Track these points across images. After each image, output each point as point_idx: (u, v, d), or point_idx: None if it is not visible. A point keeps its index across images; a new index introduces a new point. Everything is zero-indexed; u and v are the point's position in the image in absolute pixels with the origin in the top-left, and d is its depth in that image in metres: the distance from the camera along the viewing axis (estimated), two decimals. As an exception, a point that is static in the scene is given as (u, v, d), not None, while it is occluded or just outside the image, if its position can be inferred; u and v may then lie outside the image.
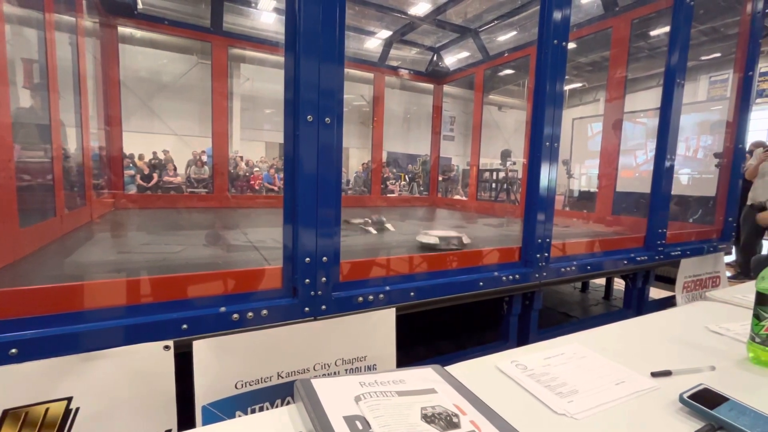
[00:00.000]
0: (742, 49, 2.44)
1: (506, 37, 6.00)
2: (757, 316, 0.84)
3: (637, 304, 2.27)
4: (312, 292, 1.14)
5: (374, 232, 2.45)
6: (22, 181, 1.65)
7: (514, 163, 6.52)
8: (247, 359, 1.06)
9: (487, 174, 7.03)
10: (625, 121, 3.14)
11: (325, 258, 1.15)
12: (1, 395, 0.82)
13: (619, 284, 2.55)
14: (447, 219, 4.07)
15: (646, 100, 4.31)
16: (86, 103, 2.62)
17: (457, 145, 12.87)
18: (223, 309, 1.04)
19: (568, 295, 2.78)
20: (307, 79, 1.07)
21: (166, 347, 0.96)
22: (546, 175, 1.61)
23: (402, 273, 1.38)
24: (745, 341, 0.89)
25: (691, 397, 0.67)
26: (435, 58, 4.87)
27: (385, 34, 4.79)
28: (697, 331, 1.04)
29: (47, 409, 0.86)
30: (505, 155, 6.46)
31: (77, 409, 0.89)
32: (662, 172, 2.05)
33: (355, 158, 11.34)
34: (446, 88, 5.08)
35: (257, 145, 12.37)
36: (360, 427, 0.56)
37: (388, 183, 10.24)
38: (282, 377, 1.11)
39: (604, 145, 3.21)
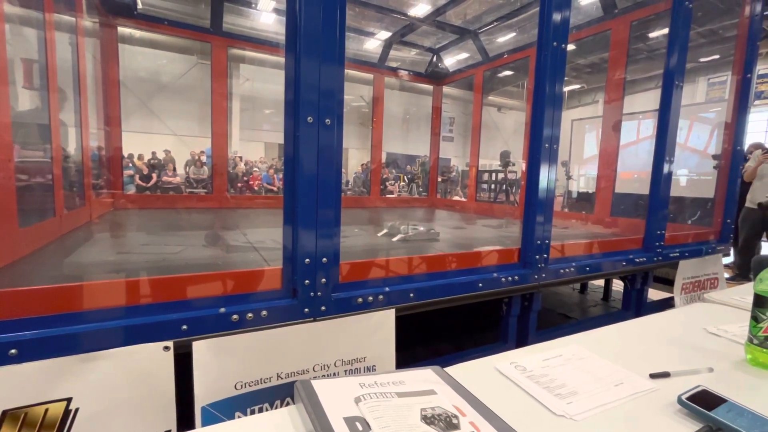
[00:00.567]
0: (740, 51, 2.45)
1: (506, 39, 6.00)
2: (755, 318, 0.85)
3: (635, 306, 2.27)
4: (312, 293, 1.14)
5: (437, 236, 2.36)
6: (21, 181, 1.65)
7: (513, 164, 6.51)
8: (246, 360, 1.06)
9: (486, 175, 7.02)
10: (624, 122, 3.15)
11: (324, 259, 1.15)
12: (0, 396, 0.82)
13: (617, 285, 2.55)
14: (446, 220, 4.07)
15: (645, 101, 4.32)
16: (86, 103, 2.62)
17: (457, 146, 12.85)
18: (222, 310, 1.04)
19: (567, 296, 2.78)
20: (307, 80, 1.08)
21: (166, 348, 0.96)
22: (545, 176, 1.61)
23: (401, 274, 1.38)
24: (743, 343, 0.89)
25: (690, 398, 0.67)
26: (434, 59, 4.88)
27: (385, 35, 4.79)
28: (696, 332, 1.04)
29: (47, 410, 0.86)
30: (505, 156, 6.44)
31: (77, 410, 0.88)
32: (661, 174, 2.05)
33: (354, 159, 11.33)
34: (446, 89, 5.09)
35: (256, 145, 12.37)
36: (360, 428, 0.56)
37: (387, 184, 10.22)
38: (281, 378, 1.11)
39: (603, 146, 3.22)
